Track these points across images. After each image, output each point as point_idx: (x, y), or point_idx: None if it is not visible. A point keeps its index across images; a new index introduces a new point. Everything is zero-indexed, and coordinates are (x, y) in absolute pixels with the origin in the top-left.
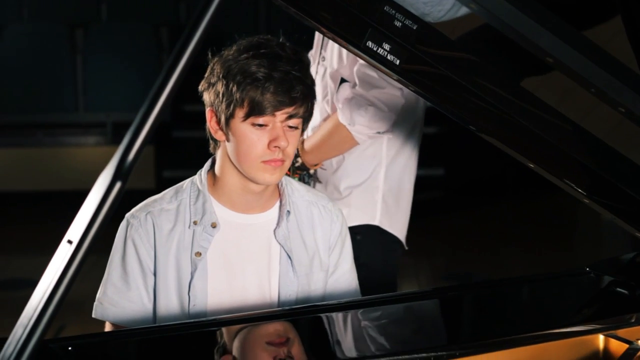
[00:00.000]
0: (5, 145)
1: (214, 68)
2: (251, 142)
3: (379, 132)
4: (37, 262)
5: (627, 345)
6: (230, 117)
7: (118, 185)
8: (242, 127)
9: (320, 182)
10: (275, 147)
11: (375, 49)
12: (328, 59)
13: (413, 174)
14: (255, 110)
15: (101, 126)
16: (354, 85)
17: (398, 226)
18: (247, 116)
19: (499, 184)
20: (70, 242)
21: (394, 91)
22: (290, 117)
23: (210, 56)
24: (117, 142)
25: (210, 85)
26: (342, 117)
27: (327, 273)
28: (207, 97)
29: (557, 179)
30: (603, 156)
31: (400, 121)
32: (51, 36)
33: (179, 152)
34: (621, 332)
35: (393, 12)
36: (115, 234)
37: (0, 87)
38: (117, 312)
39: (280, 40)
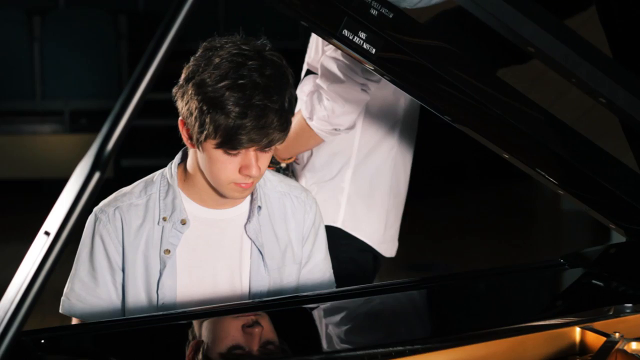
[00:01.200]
0: None
1: (189, 86)
2: (222, 165)
3: (337, 129)
4: None
5: (604, 338)
6: (203, 140)
7: (97, 175)
8: (214, 152)
9: (293, 176)
10: (247, 174)
11: (351, 37)
12: (308, 51)
13: (390, 178)
14: (227, 144)
15: (59, 114)
16: (317, 78)
17: (368, 231)
18: (218, 147)
19: (459, 173)
20: (47, 233)
21: (353, 86)
22: (263, 148)
23: (186, 64)
24: (75, 130)
25: (184, 98)
26: (304, 110)
27: (300, 265)
28: (180, 106)
29: (532, 169)
30: (578, 147)
31: (371, 120)
32: (8, 23)
33: (137, 140)
34: (598, 325)
35: (369, 0)
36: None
37: None
38: (85, 308)
39: (259, 42)
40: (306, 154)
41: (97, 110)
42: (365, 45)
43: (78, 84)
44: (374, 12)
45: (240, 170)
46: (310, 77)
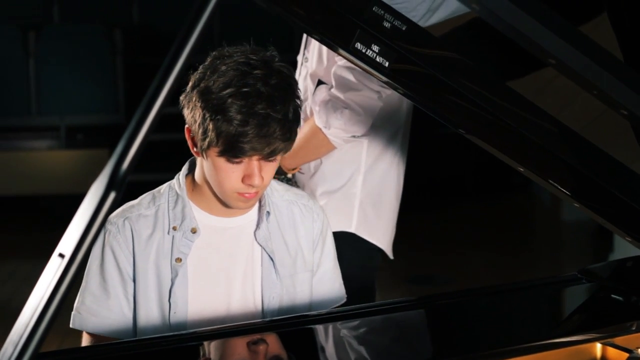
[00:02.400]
0: None
1: (194, 92)
2: (225, 174)
3: (354, 136)
4: None
5: (626, 354)
6: (206, 148)
7: (112, 195)
8: (217, 159)
9: (298, 186)
10: (249, 184)
11: (364, 50)
12: (310, 60)
13: (396, 182)
14: (229, 152)
15: (55, 130)
16: (331, 88)
17: (378, 234)
18: (221, 154)
19: (458, 185)
20: (62, 255)
21: (370, 94)
22: (266, 157)
23: (192, 71)
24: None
25: (189, 106)
26: (318, 119)
27: (312, 273)
28: (186, 114)
29: (546, 181)
30: (592, 158)
31: (380, 126)
32: (3, 38)
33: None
34: (619, 340)
35: (382, 12)
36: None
37: None
38: (97, 321)
39: (269, 53)
40: (313, 164)
41: (94, 125)
42: (378, 59)
43: (74, 99)
44: (387, 24)
45: (243, 180)
46: (322, 87)
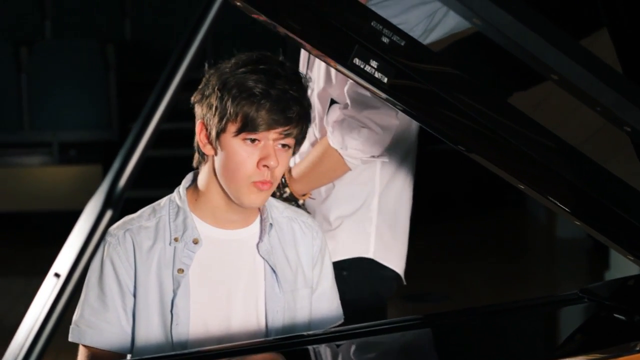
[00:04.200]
0: None
1: (210, 80)
2: (241, 158)
3: (373, 156)
4: None
5: None
6: (221, 131)
7: (109, 214)
8: (233, 142)
9: (308, 212)
10: (265, 166)
11: (362, 66)
12: (315, 79)
13: (409, 202)
14: (248, 126)
15: (47, 145)
16: (345, 106)
17: (395, 259)
18: (239, 131)
19: (451, 201)
20: (57, 275)
21: (388, 111)
22: (283, 136)
23: (207, 68)
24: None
25: (204, 97)
26: (333, 141)
27: (311, 290)
28: (199, 109)
29: (547, 199)
30: (593, 175)
31: (394, 145)
32: None
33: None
34: None
35: (380, 27)
36: None
37: None
38: (94, 334)
39: (280, 59)
40: (324, 188)
41: (87, 141)
42: (377, 74)
43: (66, 115)
44: (385, 39)
45: (258, 164)
46: (335, 106)
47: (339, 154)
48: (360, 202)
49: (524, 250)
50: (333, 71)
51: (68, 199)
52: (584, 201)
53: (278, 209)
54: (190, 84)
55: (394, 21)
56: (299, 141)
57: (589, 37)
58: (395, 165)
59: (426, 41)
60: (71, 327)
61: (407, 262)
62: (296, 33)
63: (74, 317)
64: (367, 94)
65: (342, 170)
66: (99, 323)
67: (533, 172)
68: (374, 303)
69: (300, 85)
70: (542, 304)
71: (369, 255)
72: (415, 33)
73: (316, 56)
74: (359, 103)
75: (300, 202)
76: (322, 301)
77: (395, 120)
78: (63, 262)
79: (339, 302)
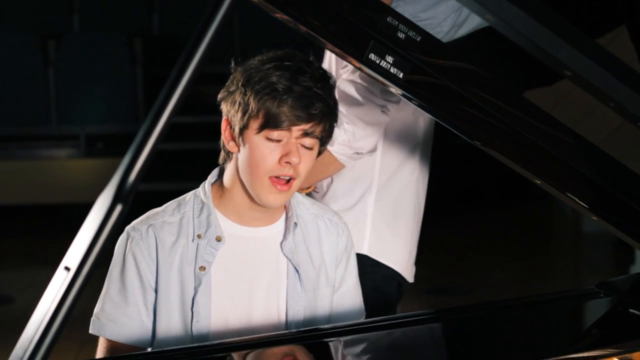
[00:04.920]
0: None
1: (235, 76)
2: (262, 155)
3: (358, 153)
4: (10, 276)
5: None
6: (244, 128)
7: (119, 208)
8: (256, 139)
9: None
10: (287, 162)
11: (377, 61)
12: None
13: (415, 200)
14: (270, 122)
15: (74, 138)
16: None
17: (393, 257)
18: (261, 128)
19: (477, 194)
20: (67, 269)
21: (373, 108)
22: (305, 134)
23: (233, 65)
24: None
25: (229, 93)
26: None
27: (333, 288)
28: (225, 106)
29: (563, 194)
30: (610, 170)
31: (394, 142)
32: (23, 47)
33: (154, 164)
34: (636, 356)
35: (396, 23)
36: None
37: None
38: (115, 328)
39: (311, 59)
40: (325, 182)
41: (113, 134)
42: (392, 70)
43: (93, 108)
44: (401, 35)
45: (280, 160)
46: None
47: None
48: (357, 197)
49: (549, 244)
50: (333, 67)
51: (94, 192)
52: (602, 197)
53: (304, 205)
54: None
55: (422, 16)
56: (323, 141)
57: (609, 35)
58: (398, 162)
59: (455, 36)
60: (92, 319)
61: (432, 256)
62: (312, 28)
63: (95, 310)
64: (353, 91)
65: (334, 165)
66: (119, 317)
67: (550, 167)
68: (377, 300)
69: (325, 83)
70: (558, 298)
71: (363, 251)
72: (443, 28)
73: (331, 51)
74: (346, 100)
75: (303, 194)
76: (345, 299)
77: (382, 116)
78: (73, 255)
79: (361, 299)
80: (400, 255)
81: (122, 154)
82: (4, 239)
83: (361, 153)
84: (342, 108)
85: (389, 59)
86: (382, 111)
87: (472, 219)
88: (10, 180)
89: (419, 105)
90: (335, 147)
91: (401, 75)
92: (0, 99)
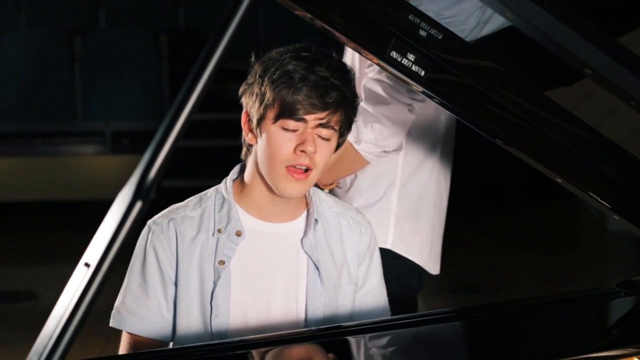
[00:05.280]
0: (2, 154)
1: (254, 69)
2: (278, 144)
3: (385, 151)
4: (36, 272)
5: None
6: (261, 119)
7: (139, 204)
8: (272, 129)
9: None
10: (302, 151)
11: (399, 59)
12: None
13: (436, 195)
14: (285, 111)
15: (100, 135)
16: (360, 100)
17: (416, 250)
18: (277, 118)
19: (502, 193)
20: (87, 265)
21: (400, 107)
22: (321, 124)
23: (253, 59)
24: (117, 151)
25: (248, 86)
26: (349, 134)
27: (355, 287)
28: (244, 99)
29: (585, 193)
30: (632, 169)
31: (416, 138)
32: (49, 44)
33: (180, 161)
34: None
35: (418, 21)
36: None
37: None
38: (135, 321)
39: (333, 54)
40: (349, 178)
41: (139, 131)
42: (414, 67)
43: (119, 104)
44: (422, 33)
45: (295, 149)
46: None
47: (354, 147)
48: (380, 193)
49: (575, 242)
50: (357, 65)
51: (119, 188)
52: (623, 196)
53: (327, 203)
54: (222, 75)
55: (446, 14)
56: (341, 133)
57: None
58: (420, 158)
59: (480, 34)
60: (113, 312)
61: (458, 254)
62: (334, 26)
63: (116, 303)
64: (380, 90)
65: (360, 162)
66: (139, 310)
67: (571, 166)
68: (398, 290)
69: (343, 74)
70: (579, 297)
71: (387, 245)
72: (468, 25)
73: (353, 49)
74: (372, 98)
75: (326, 191)
76: (369, 297)
77: (409, 115)
78: (93, 252)
79: (386, 298)
80: (421, 249)
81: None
82: (29, 235)
83: (388, 151)
84: (368, 107)
85: (411, 56)
86: (409, 110)
87: (498, 217)
88: (35, 176)
89: (440, 104)
90: (363, 145)
91: (423, 73)
92: (26, 95)
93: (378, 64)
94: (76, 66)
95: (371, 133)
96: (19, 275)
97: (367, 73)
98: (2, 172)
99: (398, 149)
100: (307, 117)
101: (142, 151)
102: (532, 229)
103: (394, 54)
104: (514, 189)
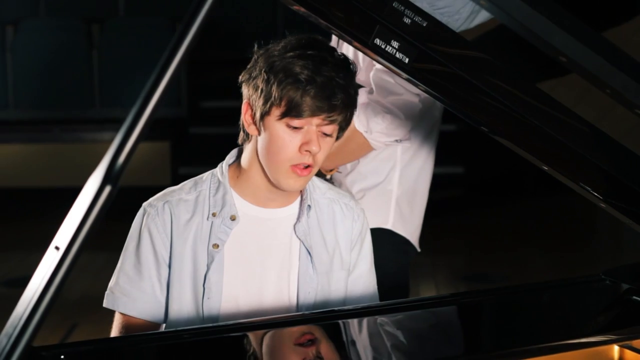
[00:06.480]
0: (21, 141)
1: (258, 61)
2: (283, 142)
3: (396, 140)
4: None
5: None
6: (265, 114)
7: (107, 189)
8: (276, 125)
9: (333, 184)
10: (307, 151)
11: (383, 46)
12: None
13: (429, 176)
14: (292, 111)
15: (118, 122)
16: (370, 91)
17: (411, 229)
18: (282, 116)
19: (517, 183)
20: (57, 248)
21: (411, 97)
22: (326, 123)
23: (256, 48)
24: None
25: (251, 77)
26: (359, 124)
27: (348, 272)
28: (246, 89)
29: (572, 181)
30: (620, 159)
31: (417, 124)
32: (68, 31)
33: (196, 148)
34: (637, 343)
35: (402, 8)
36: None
37: (17, 83)
38: (128, 302)
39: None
40: (349, 163)
41: (156, 118)
42: (398, 55)
43: (137, 91)
44: (407, 20)
45: (300, 148)
46: (361, 90)
47: (364, 136)
48: (382, 176)
49: (588, 233)
50: (360, 56)
51: (137, 175)
52: (611, 184)
53: (321, 190)
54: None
55: (439, 4)
56: (343, 128)
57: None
58: (418, 144)
59: (473, 23)
60: (106, 292)
61: (473, 244)
62: (317, 13)
63: (110, 284)
64: (391, 80)
65: (366, 150)
66: (133, 291)
67: (558, 155)
68: (397, 271)
69: (347, 72)
70: (564, 285)
71: (388, 226)
72: (461, 15)
73: (338, 36)
74: (383, 89)
75: (327, 176)
76: (358, 284)
77: (418, 105)
78: (63, 235)
79: (375, 285)
80: (415, 228)
81: (164, 138)
82: (48, 222)
83: (399, 140)
84: (380, 98)
85: (395, 44)
86: (419, 100)
87: (511, 207)
88: (54, 163)
89: (425, 91)
90: (374, 134)
91: (407, 61)
92: (45, 82)
93: (363, 51)
94: (94, 54)
95: (382, 123)
96: (36, 260)
97: (376, 65)
98: (21, 159)
99: (408, 138)
100: (313, 117)
101: (159, 139)
102: (545, 219)
103: (377, 41)
104: (528, 179)
